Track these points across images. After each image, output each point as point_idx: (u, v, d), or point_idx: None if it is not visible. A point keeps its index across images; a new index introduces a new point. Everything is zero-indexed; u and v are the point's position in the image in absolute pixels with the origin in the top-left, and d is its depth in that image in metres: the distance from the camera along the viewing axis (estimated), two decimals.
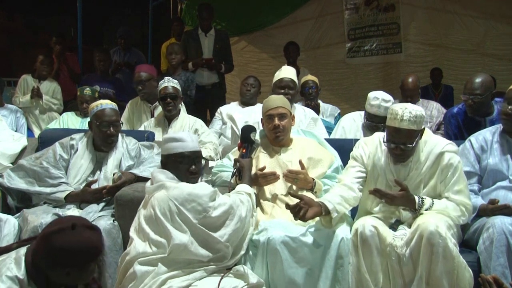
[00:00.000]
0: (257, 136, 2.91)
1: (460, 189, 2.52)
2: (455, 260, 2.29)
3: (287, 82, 3.56)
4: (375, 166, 2.63)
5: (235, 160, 2.72)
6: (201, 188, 2.33)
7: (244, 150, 2.74)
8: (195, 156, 2.52)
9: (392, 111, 2.49)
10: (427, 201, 2.49)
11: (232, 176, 2.70)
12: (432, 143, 2.57)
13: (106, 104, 3.06)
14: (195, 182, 2.49)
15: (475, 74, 3.48)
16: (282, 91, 3.52)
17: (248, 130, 2.79)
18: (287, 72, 3.64)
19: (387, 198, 2.46)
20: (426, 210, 2.48)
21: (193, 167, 2.49)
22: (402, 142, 2.46)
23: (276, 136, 2.83)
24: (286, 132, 2.86)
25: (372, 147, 2.67)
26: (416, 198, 2.49)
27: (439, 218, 2.40)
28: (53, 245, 1.75)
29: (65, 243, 1.74)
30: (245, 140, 2.77)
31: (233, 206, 2.37)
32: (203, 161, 2.72)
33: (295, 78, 3.63)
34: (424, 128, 2.54)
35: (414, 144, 2.47)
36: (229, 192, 2.60)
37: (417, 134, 2.48)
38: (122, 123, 3.18)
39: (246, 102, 4.23)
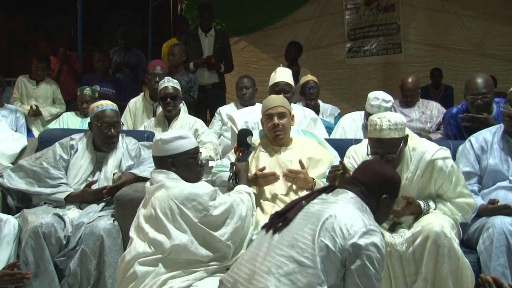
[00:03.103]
0: (254, 138, 2.90)
1: (460, 190, 2.52)
2: (460, 260, 2.29)
3: (283, 86, 3.45)
4: None
5: (231, 164, 2.72)
6: (202, 187, 2.33)
7: (240, 154, 2.74)
8: (198, 149, 2.54)
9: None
10: (432, 204, 2.50)
11: (229, 180, 2.70)
12: (421, 151, 2.52)
13: (107, 105, 3.06)
14: (202, 174, 2.55)
15: (475, 75, 3.38)
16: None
17: (244, 134, 2.79)
18: (282, 75, 3.51)
19: (396, 213, 2.47)
20: (434, 210, 2.49)
21: (200, 160, 2.52)
22: (386, 152, 2.40)
23: (276, 135, 2.83)
24: (285, 131, 2.85)
25: (363, 155, 2.63)
26: (422, 203, 2.49)
27: (442, 218, 2.40)
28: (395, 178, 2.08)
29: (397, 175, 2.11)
30: (241, 144, 2.77)
31: (234, 205, 2.36)
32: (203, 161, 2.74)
33: (290, 81, 3.51)
34: (407, 135, 2.49)
35: (398, 153, 2.41)
36: (227, 192, 2.60)
37: (400, 141, 2.42)
38: (122, 123, 3.18)
39: (245, 104, 4.20)
